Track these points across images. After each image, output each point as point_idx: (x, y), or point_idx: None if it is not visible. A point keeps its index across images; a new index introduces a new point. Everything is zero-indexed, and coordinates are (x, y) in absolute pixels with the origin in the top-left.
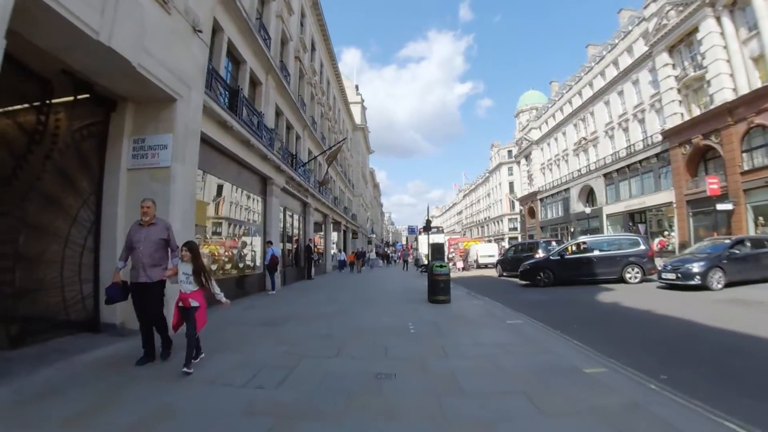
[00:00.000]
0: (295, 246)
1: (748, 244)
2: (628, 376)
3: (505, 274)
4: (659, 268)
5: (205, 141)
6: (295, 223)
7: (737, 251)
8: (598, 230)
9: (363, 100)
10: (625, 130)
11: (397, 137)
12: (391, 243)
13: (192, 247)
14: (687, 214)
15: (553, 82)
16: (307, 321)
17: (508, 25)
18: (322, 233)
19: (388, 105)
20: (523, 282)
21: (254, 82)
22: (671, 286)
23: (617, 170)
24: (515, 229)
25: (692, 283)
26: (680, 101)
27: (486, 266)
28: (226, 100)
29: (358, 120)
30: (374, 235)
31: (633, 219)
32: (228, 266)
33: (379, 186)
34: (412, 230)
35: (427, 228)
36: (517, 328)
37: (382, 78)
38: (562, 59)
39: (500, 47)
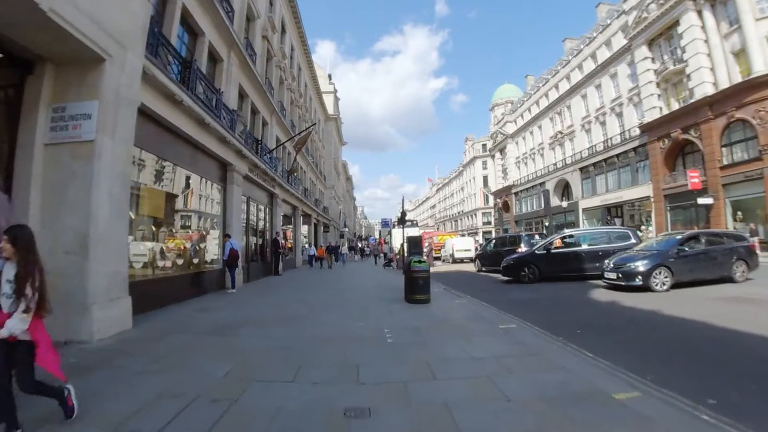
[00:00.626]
0: (261, 240)
1: (703, 240)
2: (668, 401)
3: (484, 269)
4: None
5: (151, 117)
6: (261, 215)
7: (687, 248)
8: (574, 224)
9: (336, 91)
10: (602, 123)
11: (371, 131)
12: (364, 237)
13: (18, 237)
14: (665, 208)
15: (529, 76)
16: (265, 327)
17: (484, 20)
18: (291, 226)
19: (363, 99)
20: (506, 278)
21: (214, 58)
22: (614, 287)
23: (594, 164)
24: (489, 223)
25: (634, 284)
26: (659, 95)
27: (462, 260)
28: (178, 73)
29: (330, 110)
30: (347, 229)
31: (609, 213)
32: (180, 261)
33: (351, 179)
34: (385, 223)
35: (402, 221)
36: (512, 335)
37: (356, 71)
38: (536, 56)
39: (475, 43)
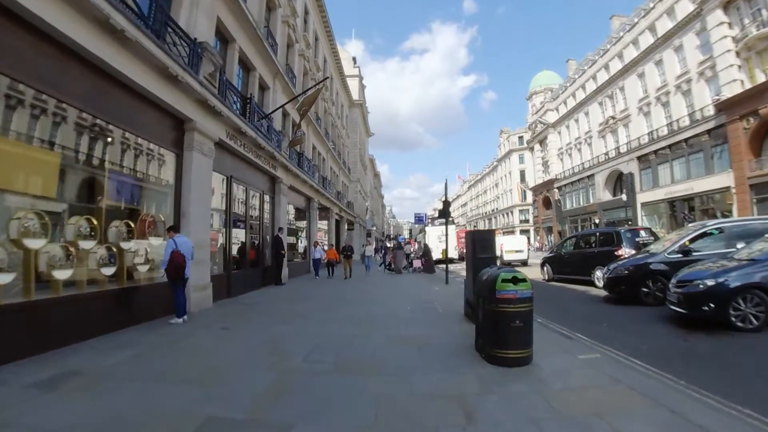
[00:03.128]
0: (255, 237)
1: None
2: None
3: (556, 277)
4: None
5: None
6: (255, 204)
7: None
8: (630, 221)
9: (362, 78)
10: (665, 104)
11: (400, 130)
12: (392, 236)
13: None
14: (750, 200)
15: (570, 60)
16: None
17: (513, 16)
18: (305, 222)
19: (391, 98)
20: (611, 295)
21: None
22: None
23: (655, 152)
24: (527, 221)
25: (701, 313)
26: (740, 66)
27: (510, 264)
28: None
29: (355, 95)
30: (374, 228)
31: (673, 207)
32: (85, 268)
33: (380, 176)
34: (419, 219)
35: (445, 212)
36: None
37: (385, 70)
38: (567, 49)
39: (504, 39)
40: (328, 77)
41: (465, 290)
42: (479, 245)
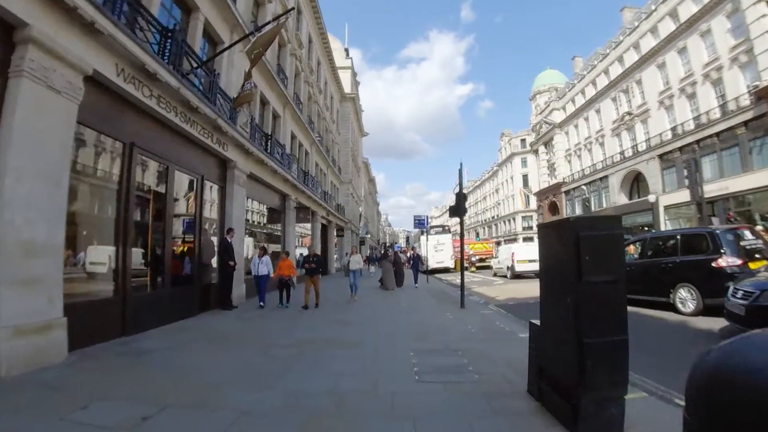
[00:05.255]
0: (196, 241)
1: None
2: None
3: None
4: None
5: None
6: (191, 192)
7: None
8: (651, 227)
9: (356, 74)
10: (690, 96)
11: (396, 138)
12: (388, 244)
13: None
14: None
15: (577, 57)
16: None
17: (510, 25)
18: (280, 225)
19: (388, 106)
20: (738, 326)
21: None
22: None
23: (681, 148)
24: (530, 228)
25: None
26: None
27: (521, 275)
28: None
29: (347, 88)
30: (369, 236)
31: (701, 210)
32: None
33: (375, 181)
34: (420, 222)
35: (459, 208)
36: None
37: (382, 78)
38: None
39: (501, 48)
40: (293, 8)
41: (533, 346)
42: (590, 252)
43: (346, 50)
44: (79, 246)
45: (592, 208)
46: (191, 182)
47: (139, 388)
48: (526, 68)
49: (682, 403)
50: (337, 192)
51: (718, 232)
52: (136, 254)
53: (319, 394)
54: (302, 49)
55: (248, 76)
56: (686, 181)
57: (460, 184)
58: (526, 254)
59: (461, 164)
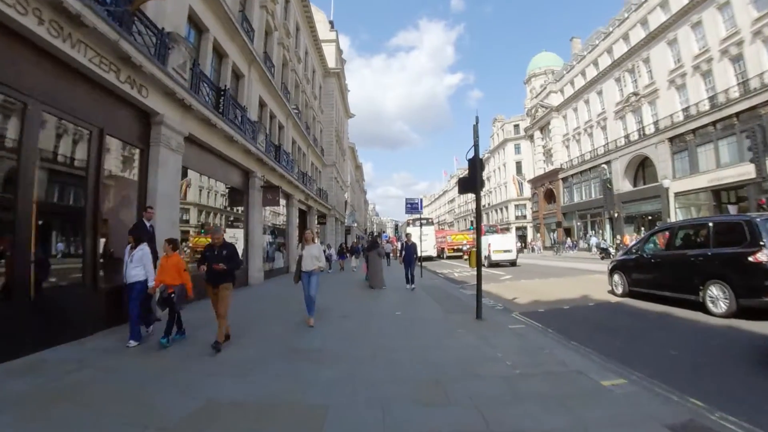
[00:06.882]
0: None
1: None
2: None
3: (634, 291)
4: None
5: None
6: (94, 153)
7: None
8: (659, 217)
9: (342, 52)
10: (705, 74)
11: (385, 128)
12: (376, 233)
13: None
14: None
15: (575, 39)
16: None
17: (500, 15)
18: (242, 209)
19: (377, 95)
20: None
21: None
22: None
23: (694, 130)
24: (524, 217)
25: None
26: None
27: (498, 264)
28: None
29: (331, 63)
30: (356, 224)
31: (718, 198)
32: None
33: (362, 169)
34: (413, 206)
35: (473, 179)
36: None
37: (370, 67)
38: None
39: (491, 38)
40: None
41: None
42: None
43: (331, 23)
44: None
45: (592, 196)
46: (83, 136)
47: None
48: (517, 59)
49: None
50: (320, 175)
51: (758, 221)
52: None
53: None
54: (276, 4)
55: None
56: (749, 154)
57: (476, 146)
58: (502, 245)
59: (476, 118)
